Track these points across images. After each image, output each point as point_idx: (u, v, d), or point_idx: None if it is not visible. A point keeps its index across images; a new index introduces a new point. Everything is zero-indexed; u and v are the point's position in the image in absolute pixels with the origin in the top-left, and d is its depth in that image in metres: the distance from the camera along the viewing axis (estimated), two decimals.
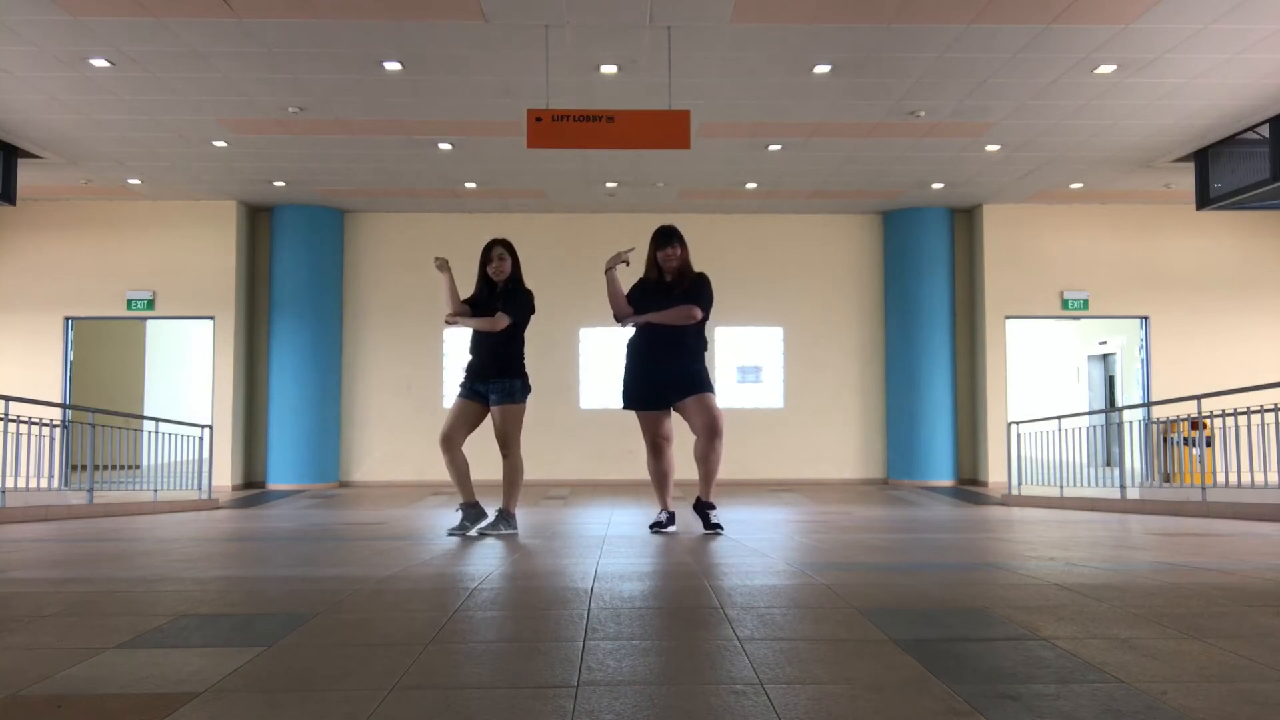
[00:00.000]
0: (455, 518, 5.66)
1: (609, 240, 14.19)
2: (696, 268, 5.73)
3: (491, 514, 5.55)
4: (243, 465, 14.01)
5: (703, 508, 5.65)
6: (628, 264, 5.58)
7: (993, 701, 1.85)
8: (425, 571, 3.91)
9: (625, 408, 5.72)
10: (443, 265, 5.55)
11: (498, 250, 5.55)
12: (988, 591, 3.19)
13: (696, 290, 5.59)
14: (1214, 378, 12.62)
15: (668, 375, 5.55)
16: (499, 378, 5.44)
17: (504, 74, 8.82)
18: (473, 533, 5.48)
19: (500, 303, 5.48)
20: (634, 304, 5.64)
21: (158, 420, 11.37)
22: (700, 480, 5.64)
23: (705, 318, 5.60)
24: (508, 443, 5.48)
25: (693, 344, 5.61)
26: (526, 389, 5.54)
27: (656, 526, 5.71)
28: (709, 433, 5.50)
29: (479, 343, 5.54)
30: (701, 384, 5.55)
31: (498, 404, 5.44)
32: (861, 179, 12.60)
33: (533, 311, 5.58)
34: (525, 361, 5.58)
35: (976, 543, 5.29)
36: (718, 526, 5.58)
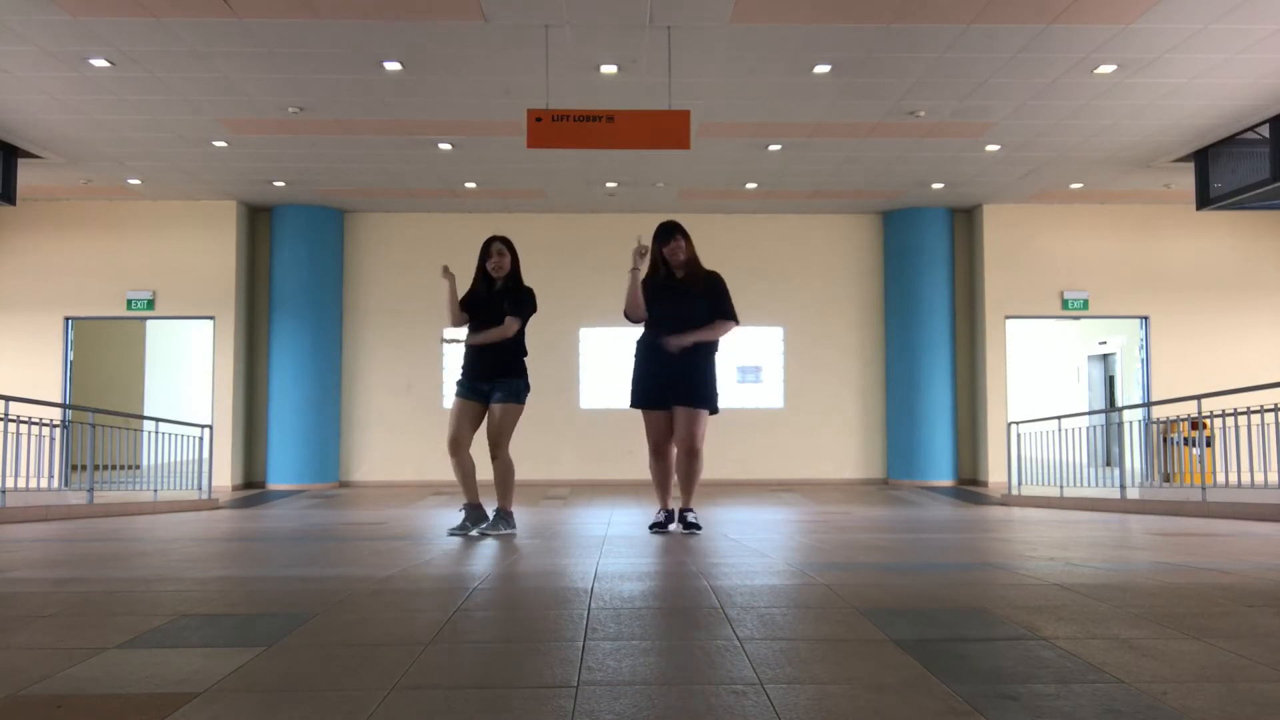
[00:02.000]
0: (456, 517, 5.67)
1: (609, 240, 14.25)
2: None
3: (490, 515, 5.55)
4: (243, 465, 14.01)
5: (681, 513, 5.73)
6: (646, 252, 5.49)
7: (993, 701, 1.84)
8: (425, 571, 3.90)
9: (632, 406, 5.70)
10: (446, 273, 5.51)
11: (496, 246, 5.51)
12: (988, 591, 3.19)
13: (717, 294, 5.58)
14: (1214, 378, 12.62)
15: (675, 373, 5.50)
16: (505, 377, 5.43)
17: (504, 74, 8.82)
18: (474, 533, 5.48)
19: (506, 303, 5.45)
20: (649, 298, 5.55)
21: (158, 420, 11.37)
22: (680, 489, 5.71)
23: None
24: (500, 442, 5.44)
25: (706, 344, 5.58)
26: (528, 389, 5.55)
27: (656, 527, 5.72)
28: (686, 450, 5.51)
29: (478, 345, 5.49)
30: (700, 396, 5.51)
31: (501, 402, 5.40)
32: (861, 179, 12.60)
33: (535, 310, 5.57)
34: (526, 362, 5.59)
35: (976, 543, 5.29)
36: (695, 525, 5.63)
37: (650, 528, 5.79)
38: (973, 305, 14.39)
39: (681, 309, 5.52)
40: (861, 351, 14.60)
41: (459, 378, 5.56)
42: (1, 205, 11.26)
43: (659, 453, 5.69)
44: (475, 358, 5.50)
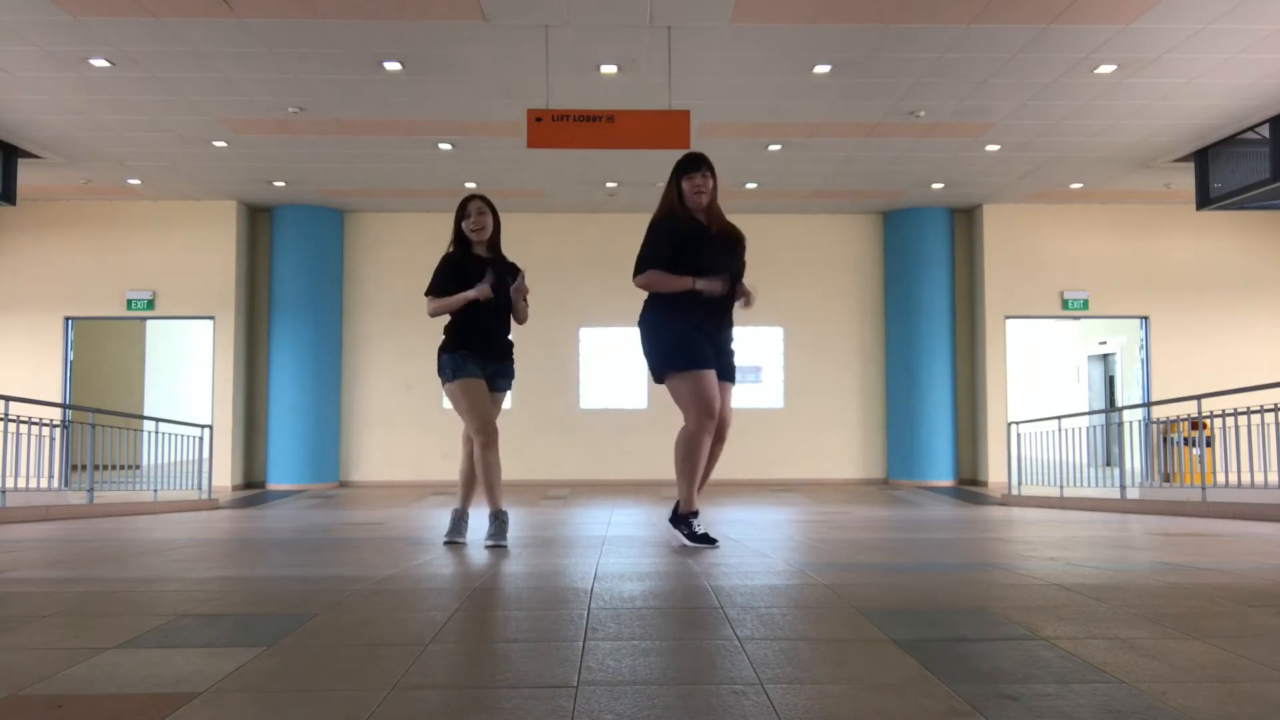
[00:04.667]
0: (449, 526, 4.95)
1: (609, 240, 14.25)
2: None
3: (482, 523, 4.83)
4: (243, 465, 14.02)
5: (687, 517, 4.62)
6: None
7: (993, 701, 1.84)
8: (425, 571, 3.90)
9: (684, 368, 4.38)
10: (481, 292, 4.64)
11: (476, 205, 4.69)
12: (988, 591, 3.19)
13: (741, 256, 4.57)
14: (1214, 378, 12.63)
15: (726, 341, 4.55)
16: (510, 360, 4.79)
17: (504, 74, 8.82)
18: (505, 543, 4.65)
19: (509, 277, 4.74)
20: (673, 252, 4.41)
21: (158, 420, 11.38)
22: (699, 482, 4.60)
23: None
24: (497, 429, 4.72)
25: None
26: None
27: (699, 537, 4.58)
28: (722, 438, 4.60)
29: (489, 315, 4.70)
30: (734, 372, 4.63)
31: (505, 390, 4.76)
32: (861, 179, 12.60)
33: None
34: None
35: (976, 543, 5.28)
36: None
37: (692, 538, 4.59)
38: (973, 305, 14.39)
39: (730, 264, 4.46)
40: (861, 351, 14.61)
41: (460, 355, 4.63)
42: (1, 205, 11.27)
43: (711, 427, 4.45)
44: (489, 333, 4.70)
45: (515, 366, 4.88)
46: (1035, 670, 2.08)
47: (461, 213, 4.73)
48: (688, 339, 4.38)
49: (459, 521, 4.91)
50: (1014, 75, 8.89)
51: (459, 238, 4.76)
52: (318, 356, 14.01)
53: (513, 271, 4.82)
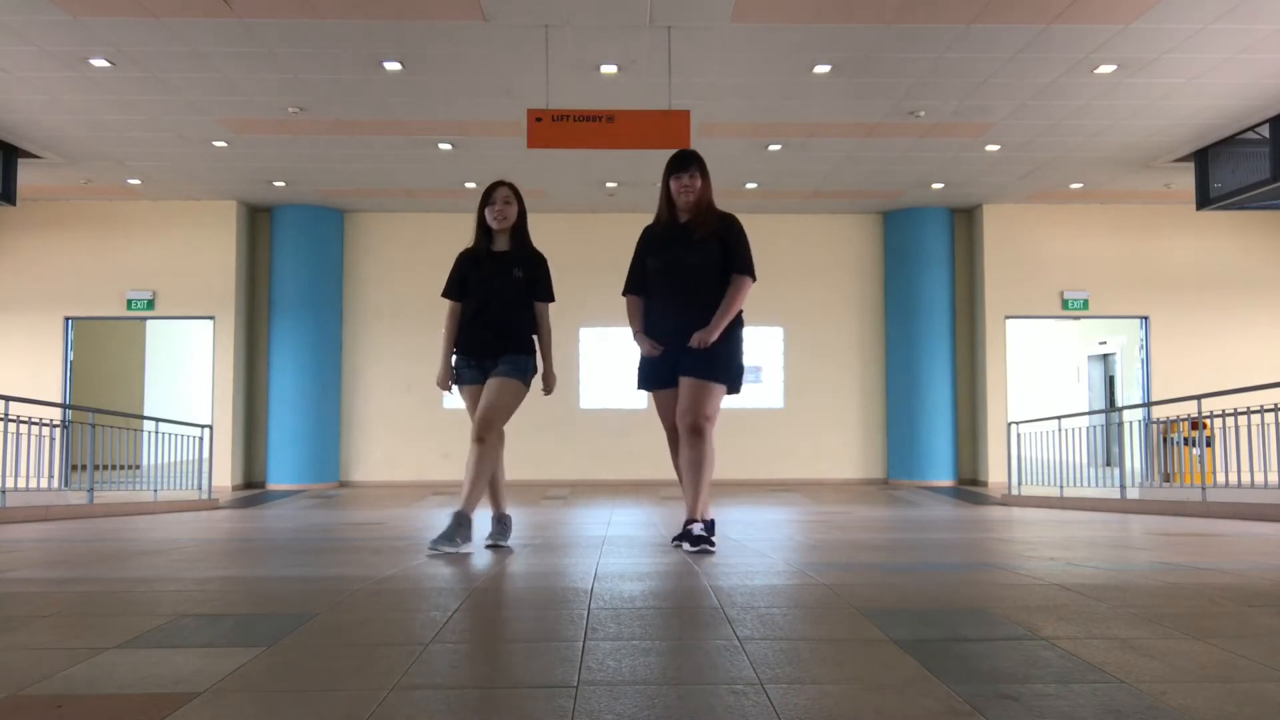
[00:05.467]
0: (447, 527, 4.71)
1: (609, 240, 14.25)
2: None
3: (486, 524, 4.76)
4: (243, 465, 14.02)
5: (685, 524, 4.44)
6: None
7: (993, 701, 1.84)
8: (425, 571, 3.90)
9: (638, 388, 4.61)
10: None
11: (502, 192, 4.55)
12: (988, 591, 3.19)
13: (730, 242, 4.41)
14: (1214, 378, 12.63)
15: (684, 340, 4.34)
16: (512, 352, 4.51)
17: (504, 74, 8.82)
18: (506, 544, 4.68)
19: (521, 271, 4.55)
20: (643, 259, 4.52)
21: (158, 420, 11.38)
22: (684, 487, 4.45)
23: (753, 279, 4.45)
24: (493, 421, 4.43)
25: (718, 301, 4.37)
26: (535, 371, 4.63)
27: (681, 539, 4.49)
28: (686, 429, 4.32)
29: (485, 318, 4.54)
30: (708, 365, 4.30)
31: (502, 375, 4.46)
32: (861, 179, 12.60)
33: None
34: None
35: (976, 543, 5.28)
36: (703, 540, 4.36)
37: (674, 540, 4.60)
38: (973, 305, 14.39)
39: (685, 260, 4.37)
40: (861, 351, 14.61)
41: (461, 359, 4.60)
42: (1, 205, 11.27)
43: (674, 438, 4.50)
44: (479, 331, 4.55)
45: (533, 361, 4.62)
46: (1035, 670, 2.08)
47: (486, 199, 4.58)
48: (641, 364, 4.57)
49: (496, 522, 4.80)
50: (1014, 75, 8.89)
51: (481, 225, 4.60)
52: (318, 356, 14.01)
53: (532, 263, 4.62)
